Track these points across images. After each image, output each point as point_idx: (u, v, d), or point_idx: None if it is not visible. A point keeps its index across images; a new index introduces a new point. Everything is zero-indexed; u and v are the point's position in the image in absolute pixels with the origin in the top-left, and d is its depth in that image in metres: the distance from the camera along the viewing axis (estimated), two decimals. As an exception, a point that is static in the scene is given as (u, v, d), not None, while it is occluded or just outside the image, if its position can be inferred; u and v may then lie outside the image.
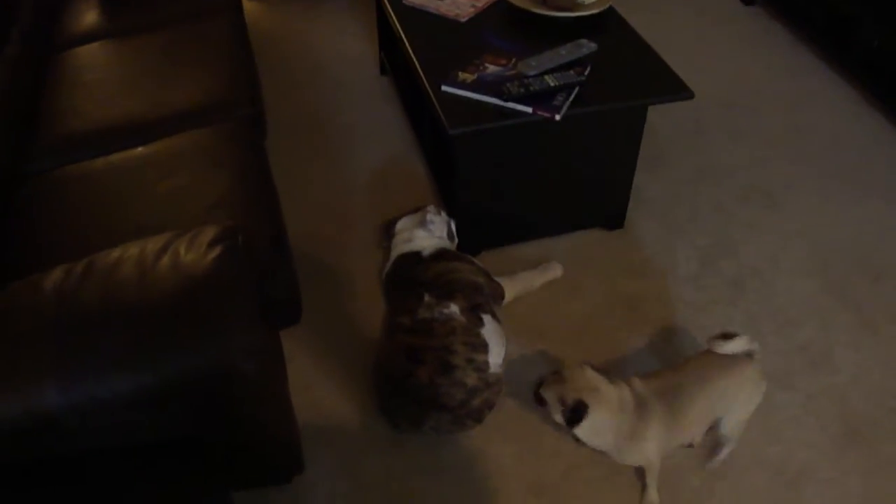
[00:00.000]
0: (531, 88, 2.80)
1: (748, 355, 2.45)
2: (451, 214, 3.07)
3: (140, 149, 2.75)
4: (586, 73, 2.92)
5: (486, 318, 2.70)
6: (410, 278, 2.84)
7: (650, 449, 2.43)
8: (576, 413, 2.34)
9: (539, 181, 3.18)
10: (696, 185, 3.68)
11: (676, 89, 2.97)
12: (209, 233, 1.93)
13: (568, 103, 2.81)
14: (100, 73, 3.12)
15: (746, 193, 3.65)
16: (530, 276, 3.15)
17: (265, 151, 2.86)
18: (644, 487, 2.55)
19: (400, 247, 2.97)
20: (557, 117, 2.77)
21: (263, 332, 1.92)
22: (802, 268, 3.30)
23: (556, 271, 3.20)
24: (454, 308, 2.65)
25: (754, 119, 4.09)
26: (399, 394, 2.62)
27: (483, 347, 2.61)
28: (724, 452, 2.62)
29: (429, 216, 3.00)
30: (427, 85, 2.92)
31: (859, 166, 3.82)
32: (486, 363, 2.61)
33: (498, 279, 2.99)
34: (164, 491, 1.88)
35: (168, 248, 1.90)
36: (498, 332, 2.71)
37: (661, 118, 3.95)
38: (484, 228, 3.20)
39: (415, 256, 2.91)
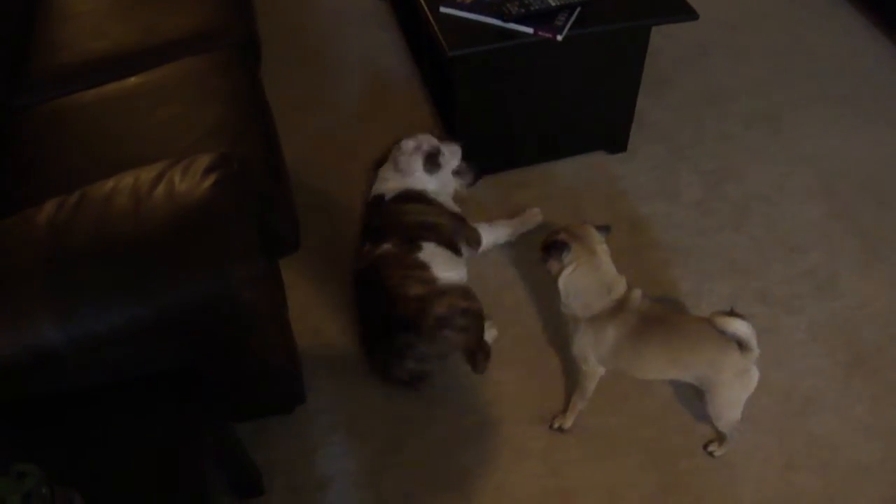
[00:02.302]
0: (532, 8, 2.74)
1: (744, 346, 2.29)
2: (451, 138, 3.01)
3: (132, 79, 2.70)
4: (589, -8, 2.85)
5: (426, 244, 2.69)
6: (367, 225, 2.83)
7: (601, 352, 2.40)
8: (554, 245, 2.34)
9: (540, 104, 3.13)
10: (701, 109, 3.63)
11: (680, 10, 2.91)
12: (204, 161, 1.89)
13: (570, 24, 2.75)
14: (89, 4, 3.06)
15: (751, 118, 3.60)
16: (510, 224, 3.08)
17: (260, 79, 2.82)
18: (573, 391, 2.57)
19: (371, 189, 2.93)
20: (559, 38, 2.72)
21: (262, 261, 1.88)
22: (808, 193, 3.26)
23: (536, 218, 3.12)
24: (385, 246, 2.65)
25: (759, 41, 4.03)
26: (374, 340, 2.65)
27: (421, 266, 2.62)
28: (725, 444, 2.54)
29: (394, 154, 2.90)
30: (425, 6, 2.86)
31: (865, 91, 3.77)
32: (431, 277, 2.60)
33: (476, 225, 2.94)
34: (164, 424, 1.87)
35: (162, 178, 1.87)
36: (442, 255, 2.70)
37: (665, 41, 3.88)
38: (484, 153, 3.15)
39: (378, 200, 2.86)
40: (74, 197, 1.87)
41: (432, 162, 2.87)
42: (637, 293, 2.39)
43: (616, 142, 3.39)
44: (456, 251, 2.77)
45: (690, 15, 2.90)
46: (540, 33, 2.73)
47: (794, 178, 3.30)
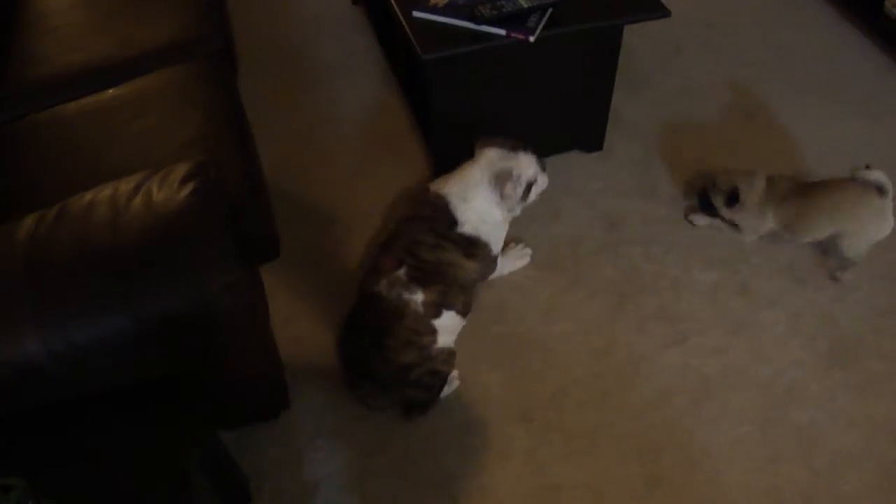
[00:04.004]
0: (504, 10, 2.75)
1: (881, 189, 2.80)
2: (427, 141, 3.01)
3: (110, 91, 2.69)
4: (560, -7, 2.87)
5: (449, 314, 2.60)
6: (413, 249, 2.60)
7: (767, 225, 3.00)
8: (731, 196, 2.95)
9: (515, 106, 3.14)
10: (675, 106, 3.65)
11: (652, 8, 2.93)
12: (181, 170, 1.90)
13: (542, 24, 2.77)
14: (65, 18, 3.06)
15: (725, 113, 3.62)
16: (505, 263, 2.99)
17: (237, 87, 2.82)
18: None
19: (452, 188, 2.70)
20: (531, 39, 2.73)
21: (240, 268, 1.89)
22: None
23: (524, 260, 3.05)
24: (419, 297, 2.53)
25: (733, 38, 4.05)
26: (349, 336, 2.64)
27: (431, 333, 2.55)
28: (848, 270, 2.98)
29: (500, 172, 2.67)
30: (398, 10, 2.87)
31: (837, 83, 3.79)
32: (430, 344, 2.55)
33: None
34: (148, 434, 1.87)
35: (140, 188, 1.87)
36: (453, 324, 2.64)
37: (638, 39, 3.90)
38: (460, 155, 3.16)
39: (450, 219, 2.65)
40: (54, 211, 1.87)
41: (528, 192, 2.74)
42: (777, 177, 2.98)
43: (592, 141, 3.40)
44: (463, 310, 2.68)
45: (663, 13, 2.91)
46: (512, 35, 2.74)
47: (769, 170, 3.32)
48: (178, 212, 1.80)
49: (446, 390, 2.66)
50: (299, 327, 2.83)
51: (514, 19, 2.76)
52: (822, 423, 2.62)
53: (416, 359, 2.51)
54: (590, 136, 3.39)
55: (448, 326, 2.61)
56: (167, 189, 1.85)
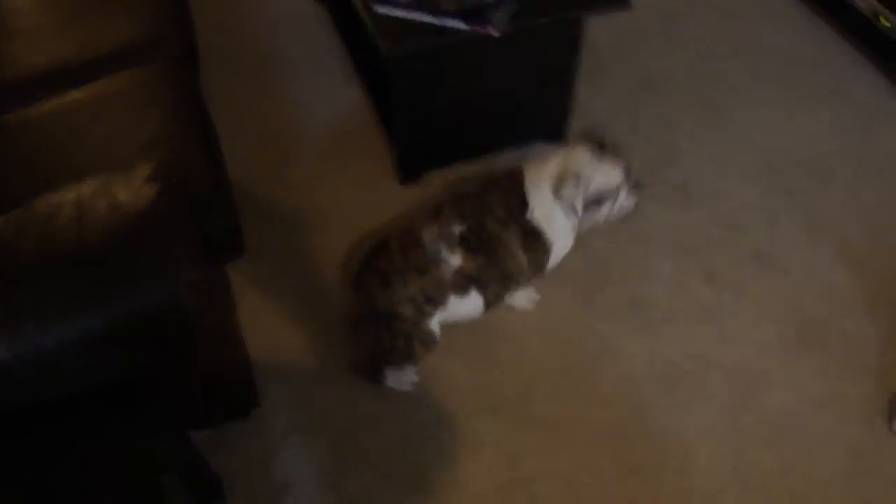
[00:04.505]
0: (466, 4, 2.76)
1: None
2: (391, 138, 3.00)
3: (74, 93, 2.69)
4: (522, -14, 2.87)
5: (474, 298, 2.55)
6: (490, 206, 2.54)
7: None
8: None
9: (478, 99, 3.15)
10: (639, 96, 3.67)
11: (614, 0, 2.94)
12: (144, 171, 1.89)
13: (505, 18, 2.77)
14: (25, 21, 3.05)
15: (688, 103, 3.64)
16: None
17: (199, 87, 2.81)
18: None
19: (532, 170, 2.58)
20: (494, 32, 2.73)
21: (206, 267, 1.89)
22: (748, 173, 3.31)
23: (531, 305, 2.95)
24: (455, 262, 2.47)
25: (694, 28, 4.06)
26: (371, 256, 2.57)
27: (440, 304, 2.51)
28: None
29: (574, 169, 2.50)
30: (360, 5, 2.86)
31: (800, 73, 3.81)
32: (429, 315, 2.52)
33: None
34: (116, 437, 1.87)
35: (105, 189, 1.87)
36: (466, 312, 2.60)
37: (601, 30, 3.90)
38: (424, 151, 3.18)
39: (523, 200, 2.54)
40: (18, 214, 1.86)
41: (598, 205, 2.58)
42: None
43: (556, 131, 3.41)
44: (490, 299, 2.61)
45: (624, 4, 2.92)
46: (475, 29, 2.74)
47: (733, 159, 3.34)
48: (142, 212, 1.79)
49: (396, 381, 2.66)
50: (268, 325, 2.82)
51: (477, 13, 2.76)
52: (791, 406, 2.65)
53: (405, 316, 2.47)
54: (554, 127, 3.40)
55: (461, 311, 2.57)
56: (131, 190, 1.84)
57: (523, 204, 2.52)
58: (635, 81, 3.74)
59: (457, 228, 2.48)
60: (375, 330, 2.53)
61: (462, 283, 2.50)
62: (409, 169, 3.16)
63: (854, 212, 3.19)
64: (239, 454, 2.54)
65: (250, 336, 2.44)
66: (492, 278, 2.54)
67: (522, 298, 2.88)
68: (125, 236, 1.77)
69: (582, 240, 2.91)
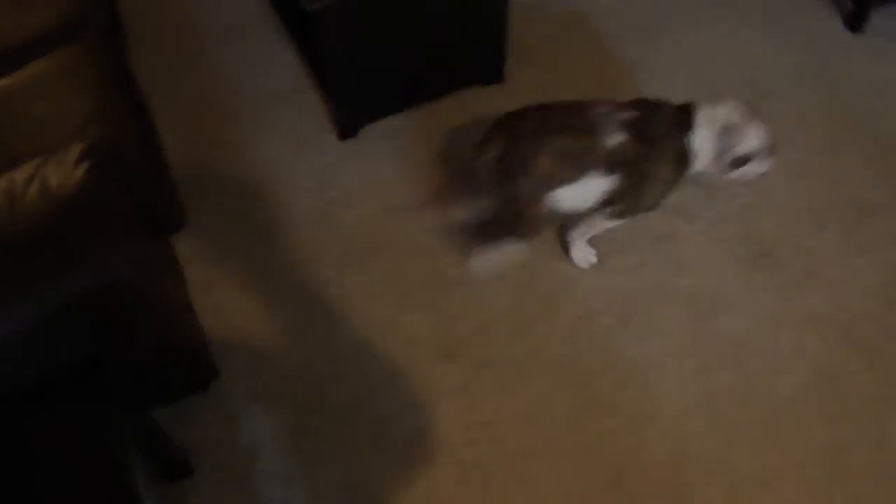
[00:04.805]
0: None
1: None
2: (326, 92, 2.98)
3: (2, 81, 2.66)
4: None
5: (604, 182, 2.51)
6: (656, 113, 2.58)
7: None
8: None
9: (410, 47, 3.12)
10: (576, 31, 3.64)
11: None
12: (74, 151, 1.88)
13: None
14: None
15: (628, 32, 3.61)
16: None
17: (128, 62, 2.78)
18: None
19: (707, 107, 2.58)
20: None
21: (144, 241, 1.89)
22: (691, 96, 3.30)
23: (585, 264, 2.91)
24: (612, 140, 2.46)
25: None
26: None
27: (575, 176, 2.49)
28: None
29: (743, 122, 2.55)
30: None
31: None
32: (558, 185, 2.49)
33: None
34: (74, 421, 1.86)
35: (36, 174, 1.85)
36: (590, 195, 2.55)
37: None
38: (360, 104, 3.16)
39: (687, 122, 2.56)
40: (-50, 205, 1.85)
41: (739, 163, 2.59)
42: None
43: (492, 72, 3.38)
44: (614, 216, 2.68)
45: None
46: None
47: (675, 84, 3.34)
48: (73, 193, 1.78)
49: (486, 262, 2.75)
50: (219, 294, 2.81)
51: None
52: (750, 327, 2.68)
53: (538, 172, 2.48)
54: (490, 68, 3.37)
55: (566, 195, 2.53)
56: (62, 172, 1.83)
57: (686, 125, 2.54)
58: (572, 15, 3.70)
59: (625, 115, 2.50)
60: (504, 185, 2.53)
61: (606, 165, 2.49)
62: (347, 124, 3.15)
63: (799, 129, 3.21)
64: (202, 427, 2.54)
65: (202, 307, 2.44)
66: (635, 173, 2.53)
67: (581, 254, 2.86)
68: (58, 219, 1.76)
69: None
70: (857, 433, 2.53)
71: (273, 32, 3.73)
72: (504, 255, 2.74)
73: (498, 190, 2.54)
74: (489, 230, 2.68)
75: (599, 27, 3.65)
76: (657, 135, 2.51)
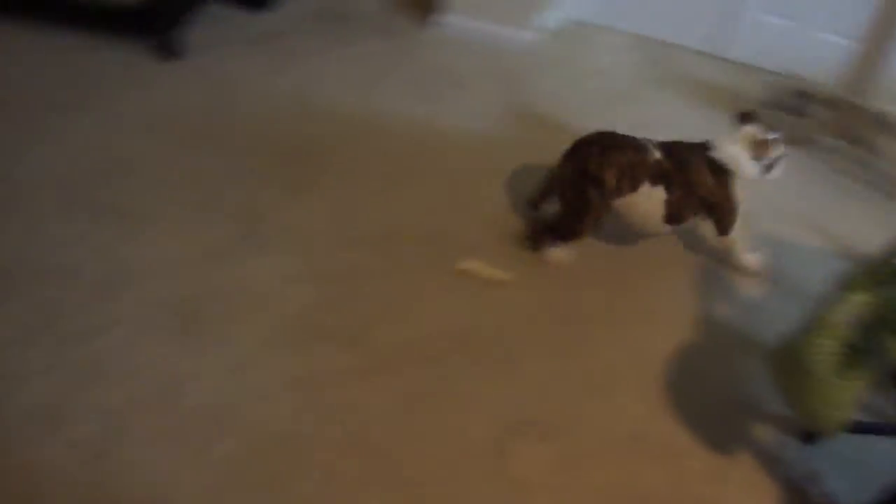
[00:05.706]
0: None
1: None
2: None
3: None
4: None
5: (660, 191, 3.00)
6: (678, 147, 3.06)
7: None
8: None
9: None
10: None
11: None
12: None
13: None
14: None
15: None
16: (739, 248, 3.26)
17: None
18: None
19: (722, 137, 3.07)
20: None
21: None
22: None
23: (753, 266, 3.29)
24: (657, 154, 2.98)
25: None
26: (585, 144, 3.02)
27: (635, 185, 2.97)
28: None
29: (760, 136, 3.03)
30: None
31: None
32: (622, 194, 2.98)
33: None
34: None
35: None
36: (655, 203, 3.03)
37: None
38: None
39: (705, 148, 3.07)
40: None
41: (768, 168, 3.08)
42: None
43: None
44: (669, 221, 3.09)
45: None
46: None
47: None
48: None
49: (558, 255, 3.15)
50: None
51: None
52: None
53: (608, 184, 2.94)
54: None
55: (645, 207, 3.06)
56: None
57: (703, 146, 3.07)
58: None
59: (654, 140, 3.05)
60: (578, 190, 2.98)
61: (657, 174, 2.98)
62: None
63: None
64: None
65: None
66: (679, 184, 3.01)
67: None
68: None
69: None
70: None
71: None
72: (572, 250, 3.14)
73: (573, 199, 3.01)
74: (558, 229, 3.09)
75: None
76: (681, 153, 3.04)
